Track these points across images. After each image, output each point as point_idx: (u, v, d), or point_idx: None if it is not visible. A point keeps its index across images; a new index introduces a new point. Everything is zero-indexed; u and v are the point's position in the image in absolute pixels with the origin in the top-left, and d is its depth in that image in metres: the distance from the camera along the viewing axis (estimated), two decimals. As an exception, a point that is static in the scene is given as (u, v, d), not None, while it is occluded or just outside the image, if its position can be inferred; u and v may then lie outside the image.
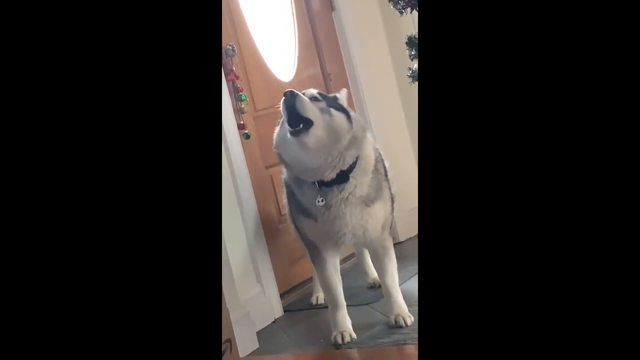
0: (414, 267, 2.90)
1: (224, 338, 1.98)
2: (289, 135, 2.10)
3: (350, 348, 2.23)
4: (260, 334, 2.62)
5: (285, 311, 2.89)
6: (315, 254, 2.34)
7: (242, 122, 2.90)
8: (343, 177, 2.15)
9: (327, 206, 2.16)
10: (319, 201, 2.16)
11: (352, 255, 3.20)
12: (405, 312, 2.30)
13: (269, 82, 3.20)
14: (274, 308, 2.85)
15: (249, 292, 2.72)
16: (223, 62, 2.84)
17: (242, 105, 2.92)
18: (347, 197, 2.17)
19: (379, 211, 2.26)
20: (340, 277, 2.35)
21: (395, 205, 2.42)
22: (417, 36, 2.42)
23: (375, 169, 2.26)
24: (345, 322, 2.31)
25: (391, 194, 2.35)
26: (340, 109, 2.21)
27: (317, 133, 2.08)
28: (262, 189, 2.98)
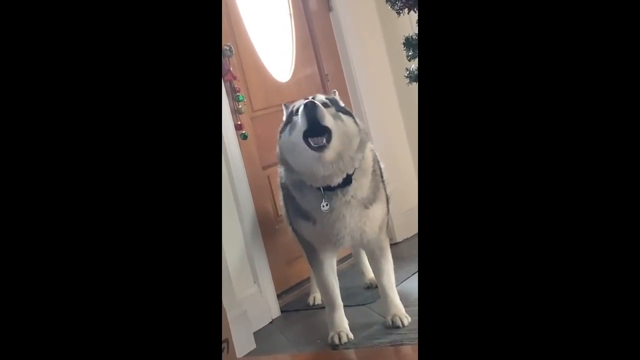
0: (411, 268, 2.90)
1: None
2: (307, 148, 2.07)
3: (347, 348, 2.23)
4: (258, 335, 2.62)
5: (282, 311, 2.89)
6: (313, 255, 2.34)
7: (239, 123, 2.90)
8: (347, 180, 2.16)
9: (331, 210, 2.17)
10: (324, 206, 2.15)
11: (349, 256, 3.20)
12: (402, 312, 2.30)
13: (266, 82, 3.20)
14: (271, 308, 2.85)
15: (246, 293, 2.72)
16: (220, 63, 2.84)
17: (240, 106, 2.93)
18: (349, 200, 2.18)
19: (377, 212, 2.26)
20: (337, 278, 2.35)
21: (391, 206, 2.42)
22: (414, 37, 2.42)
23: (373, 170, 2.26)
24: (342, 322, 2.31)
25: (386, 194, 2.36)
26: (346, 112, 2.22)
27: (335, 144, 2.08)
28: (259, 189, 2.98)
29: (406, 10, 2.42)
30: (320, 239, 2.27)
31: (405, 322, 2.27)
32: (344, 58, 3.55)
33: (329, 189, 2.15)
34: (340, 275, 2.43)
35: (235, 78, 2.92)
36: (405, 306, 2.33)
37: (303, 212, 2.26)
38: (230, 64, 2.90)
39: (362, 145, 2.19)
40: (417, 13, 2.40)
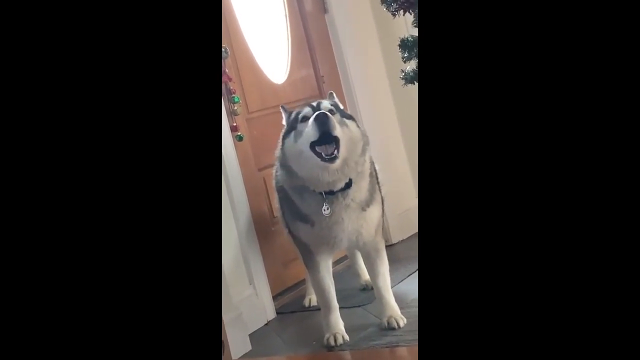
0: (406, 269, 2.90)
1: (216, 340, 1.98)
2: (314, 156, 2.06)
3: (343, 350, 2.23)
4: (253, 336, 2.61)
5: (278, 313, 2.89)
6: (309, 257, 2.34)
7: (235, 124, 2.90)
8: (348, 183, 2.16)
9: (331, 213, 2.16)
10: (325, 210, 2.15)
11: (344, 258, 3.19)
12: (398, 314, 2.30)
13: (261, 84, 3.20)
14: (267, 310, 2.85)
15: (242, 294, 2.71)
16: (216, 64, 2.84)
17: (235, 107, 2.92)
18: (349, 204, 2.18)
19: (374, 214, 2.26)
20: (332, 280, 2.35)
21: (387, 207, 2.43)
22: (409, 38, 2.43)
23: (370, 172, 2.27)
24: (338, 324, 2.31)
25: (382, 195, 2.36)
26: (349, 117, 2.23)
27: (342, 152, 2.08)
28: (254, 191, 2.97)
29: (401, 11, 2.43)
30: (318, 242, 2.27)
31: (401, 324, 2.27)
32: (340, 59, 3.55)
33: (331, 193, 2.15)
34: (336, 276, 2.42)
35: (230, 79, 2.92)
36: (400, 308, 2.33)
37: (302, 215, 2.26)
38: (225, 66, 2.89)
39: (364, 149, 2.19)
40: (412, 14, 2.40)
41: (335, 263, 2.89)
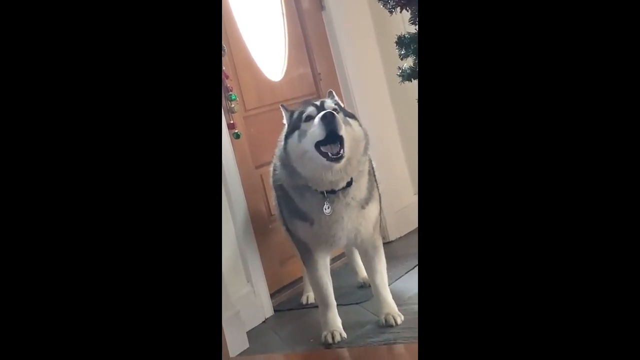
0: (404, 267, 2.91)
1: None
2: (320, 156, 2.06)
3: (341, 347, 2.23)
4: (251, 334, 2.61)
5: (275, 311, 2.89)
6: (307, 255, 2.34)
7: (232, 122, 2.89)
8: (350, 182, 2.16)
9: (331, 212, 2.16)
10: (326, 209, 2.15)
11: (342, 255, 3.20)
12: (395, 311, 2.30)
13: (258, 81, 3.20)
14: (264, 308, 2.85)
15: (239, 292, 2.71)
16: (213, 62, 2.83)
17: (232, 105, 2.92)
18: (349, 202, 2.18)
19: (372, 212, 2.27)
20: (330, 277, 2.35)
21: (385, 204, 2.43)
22: (406, 35, 2.43)
23: (368, 170, 2.27)
24: (336, 321, 2.31)
25: (379, 193, 2.36)
26: (351, 115, 2.22)
27: (347, 152, 2.07)
28: (252, 189, 2.97)
29: (398, 8, 2.42)
30: (317, 240, 2.27)
31: (399, 321, 2.27)
32: (337, 57, 3.55)
33: (332, 191, 2.15)
34: (334, 274, 2.42)
35: (227, 77, 2.91)
36: (398, 305, 2.33)
37: (301, 213, 2.26)
38: (222, 63, 2.89)
39: (366, 148, 2.20)
40: (409, 12, 2.40)
41: (332, 260, 2.89)
